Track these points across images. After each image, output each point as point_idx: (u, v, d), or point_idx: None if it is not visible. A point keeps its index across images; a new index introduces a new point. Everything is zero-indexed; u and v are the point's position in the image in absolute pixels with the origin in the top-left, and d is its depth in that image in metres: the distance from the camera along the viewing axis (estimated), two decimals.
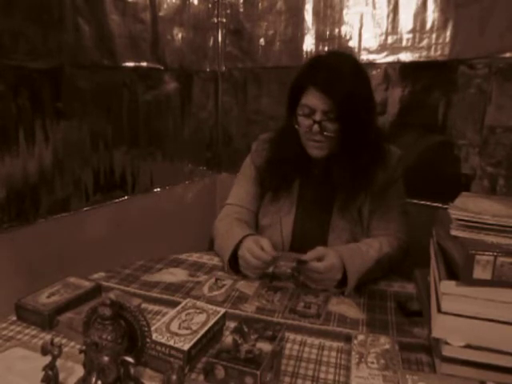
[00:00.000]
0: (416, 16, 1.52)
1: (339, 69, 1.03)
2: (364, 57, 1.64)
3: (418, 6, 1.51)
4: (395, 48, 1.58)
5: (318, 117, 1.02)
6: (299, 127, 1.07)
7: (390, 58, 1.59)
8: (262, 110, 1.94)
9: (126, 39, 1.54)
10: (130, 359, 0.57)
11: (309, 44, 1.77)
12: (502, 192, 1.43)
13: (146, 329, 0.59)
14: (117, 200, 1.60)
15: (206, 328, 0.71)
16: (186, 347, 0.66)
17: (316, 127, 1.02)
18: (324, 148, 1.07)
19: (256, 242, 0.99)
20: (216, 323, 0.74)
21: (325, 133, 1.03)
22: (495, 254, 0.63)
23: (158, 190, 1.79)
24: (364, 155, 1.06)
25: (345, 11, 1.66)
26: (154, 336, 0.66)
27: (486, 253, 0.63)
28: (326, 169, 1.11)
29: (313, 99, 1.02)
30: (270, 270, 1.05)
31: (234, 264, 1.05)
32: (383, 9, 1.58)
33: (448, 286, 0.67)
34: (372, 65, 1.62)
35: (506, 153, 1.41)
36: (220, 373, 0.63)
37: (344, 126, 1.02)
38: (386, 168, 1.11)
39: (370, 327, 0.83)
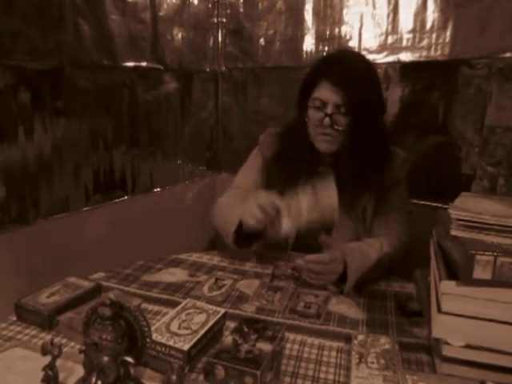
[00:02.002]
0: (416, 16, 1.52)
1: (353, 64, 1.05)
2: None
3: (418, 5, 1.51)
4: (395, 48, 1.58)
5: (329, 110, 1.03)
6: (309, 120, 1.07)
7: (390, 58, 1.59)
8: (262, 110, 1.94)
9: (126, 39, 1.54)
10: (129, 359, 0.57)
11: (309, 44, 1.77)
12: (501, 192, 1.43)
13: (146, 329, 0.59)
14: (117, 200, 1.60)
15: (206, 328, 0.71)
16: (186, 347, 0.66)
17: (327, 120, 1.03)
18: (333, 142, 1.07)
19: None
20: (216, 323, 0.74)
21: (335, 126, 1.03)
22: (495, 253, 0.63)
23: (158, 190, 1.79)
24: (372, 153, 1.06)
25: (345, 11, 1.66)
26: (154, 336, 0.66)
27: (486, 253, 0.63)
28: (332, 166, 1.11)
29: (325, 92, 1.03)
30: (270, 270, 1.05)
31: (236, 240, 1.05)
32: (383, 9, 1.58)
33: (448, 286, 0.67)
34: None
35: (505, 153, 1.41)
36: (220, 373, 0.63)
37: (354, 120, 1.02)
38: (391, 169, 1.11)
39: (369, 327, 0.83)
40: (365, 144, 1.05)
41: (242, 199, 1.15)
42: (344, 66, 1.04)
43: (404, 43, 1.56)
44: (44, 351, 0.60)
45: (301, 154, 1.12)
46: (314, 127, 1.07)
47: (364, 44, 1.64)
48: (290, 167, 1.15)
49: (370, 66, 1.10)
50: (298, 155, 1.13)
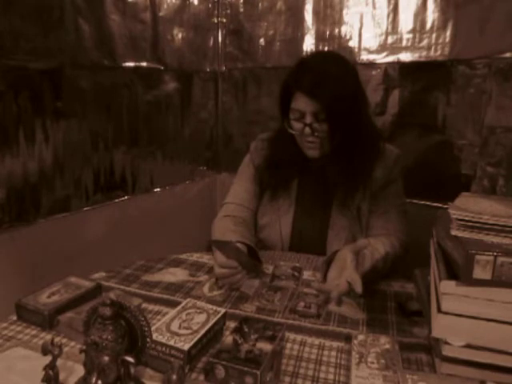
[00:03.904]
0: (416, 16, 1.52)
1: (324, 70, 1.04)
2: (364, 57, 1.64)
3: (417, 6, 1.51)
4: (395, 48, 1.58)
5: (308, 119, 1.04)
6: (293, 131, 1.08)
7: (390, 58, 1.59)
8: (262, 110, 1.94)
9: (126, 39, 1.54)
10: (130, 359, 0.57)
11: (309, 44, 1.77)
12: (501, 192, 1.43)
13: (147, 329, 0.59)
14: (117, 200, 1.60)
15: (206, 328, 0.71)
16: (187, 347, 0.66)
17: (307, 130, 1.04)
18: (319, 148, 1.08)
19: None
20: (216, 323, 0.74)
21: (316, 133, 1.04)
22: (495, 253, 0.63)
23: (158, 189, 1.79)
24: (357, 153, 1.07)
25: (345, 11, 1.66)
26: (155, 336, 0.66)
27: (486, 253, 0.63)
28: (323, 168, 1.11)
29: (301, 103, 1.04)
30: (270, 270, 1.05)
31: None
32: (383, 9, 1.58)
33: (448, 286, 0.67)
34: (372, 65, 1.62)
35: (505, 153, 1.41)
36: (220, 373, 0.63)
37: (334, 125, 1.03)
38: (384, 167, 1.11)
39: (369, 327, 0.83)
40: (349, 144, 1.06)
41: (235, 217, 1.15)
42: (315, 74, 1.03)
43: (404, 43, 1.56)
44: (44, 351, 0.60)
45: (290, 158, 1.14)
46: (298, 136, 1.09)
47: (364, 44, 1.64)
48: (281, 171, 1.15)
49: (345, 67, 1.08)
50: (288, 160, 1.14)
